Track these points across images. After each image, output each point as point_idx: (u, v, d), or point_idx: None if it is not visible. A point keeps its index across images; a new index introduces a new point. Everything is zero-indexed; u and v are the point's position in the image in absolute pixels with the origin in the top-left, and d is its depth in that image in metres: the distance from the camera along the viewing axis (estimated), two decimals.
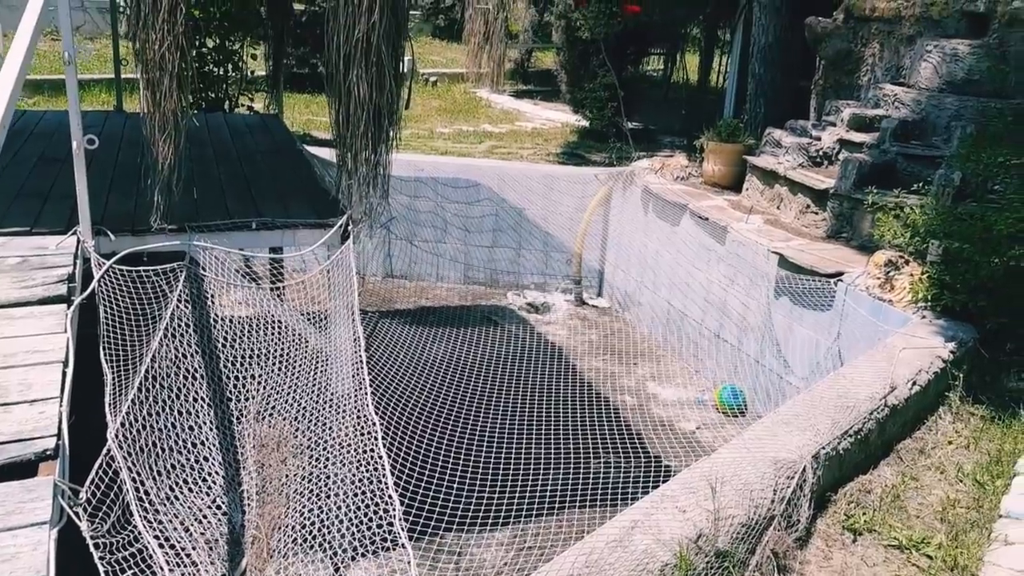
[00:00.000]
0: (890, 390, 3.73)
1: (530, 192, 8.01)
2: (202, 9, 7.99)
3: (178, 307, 3.39)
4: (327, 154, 5.91)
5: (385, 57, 3.59)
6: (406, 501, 3.41)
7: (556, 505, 4.39)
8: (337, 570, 3.26)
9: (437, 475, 4.12)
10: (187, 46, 3.31)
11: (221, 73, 8.46)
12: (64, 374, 2.59)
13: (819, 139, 6.51)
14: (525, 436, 5.19)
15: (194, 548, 2.99)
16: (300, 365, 3.81)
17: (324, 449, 3.58)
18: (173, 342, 3.33)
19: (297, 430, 3.69)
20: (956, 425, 3.93)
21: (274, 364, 3.73)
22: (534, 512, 4.26)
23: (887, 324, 4.71)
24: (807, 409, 3.54)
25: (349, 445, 3.34)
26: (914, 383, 3.90)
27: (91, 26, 13.41)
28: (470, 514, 3.99)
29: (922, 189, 5.29)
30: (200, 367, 3.51)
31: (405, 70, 4.07)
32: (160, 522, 2.83)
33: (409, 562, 2.63)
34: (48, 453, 2.20)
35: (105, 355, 2.95)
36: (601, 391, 6.25)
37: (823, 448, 3.19)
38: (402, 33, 3.94)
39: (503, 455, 4.67)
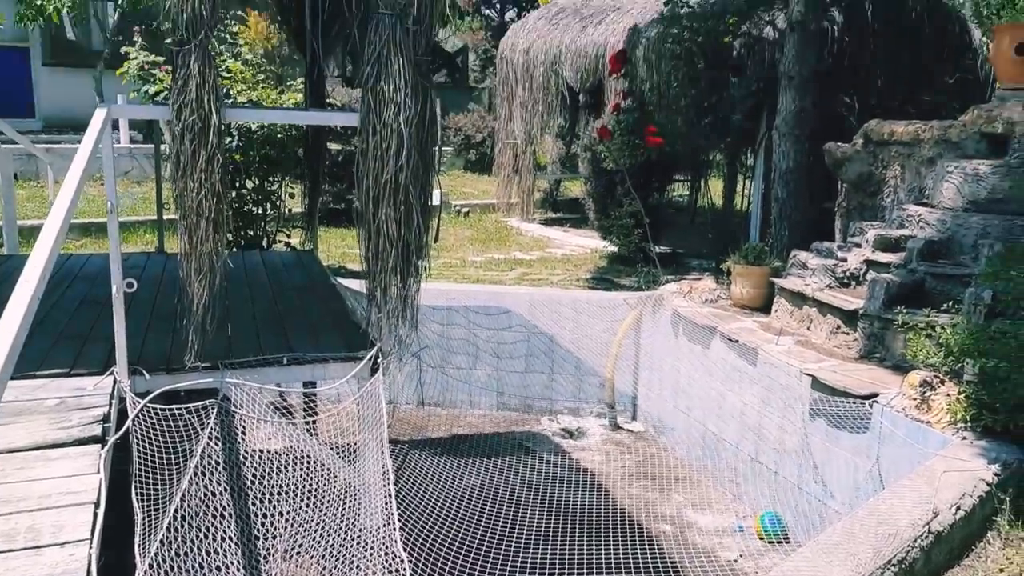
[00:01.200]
0: (933, 516, 3.61)
1: (561, 317, 8.08)
2: (243, 153, 8.40)
3: (208, 444, 3.43)
4: (360, 286, 6.05)
5: (412, 196, 3.73)
6: None
7: None
8: None
9: None
10: (223, 192, 3.48)
11: (260, 212, 8.81)
12: (95, 515, 2.62)
13: (845, 260, 6.55)
14: (561, 568, 5.05)
15: None
16: (328, 500, 3.80)
17: None
18: (203, 480, 3.36)
19: (324, 569, 3.65)
20: (1006, 551, 3.77)
21: (302, 500, 3.73)
22: None
23: (926, 446, 4.60)
24: (846, 537, 3.43)
25: None
26: (958, 508, 3.78)
27: (138, 171, 14.09)
28: None
29: (953, 308, 5.27)
30: (229, 505, 3.52)
31: (434, 203, 4.21)
32: None
33: None
34: None
35: (136, 495, 2.98)
36: (638, 519, 6.11)
37: None
38: (430, 171, 4.11)
39: None
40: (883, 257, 6.20)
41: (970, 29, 10.86)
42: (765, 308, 7.21)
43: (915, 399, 4.91)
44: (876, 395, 5.12)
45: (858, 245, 6.62)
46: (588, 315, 8.07)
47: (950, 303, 5.42)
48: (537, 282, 9.36)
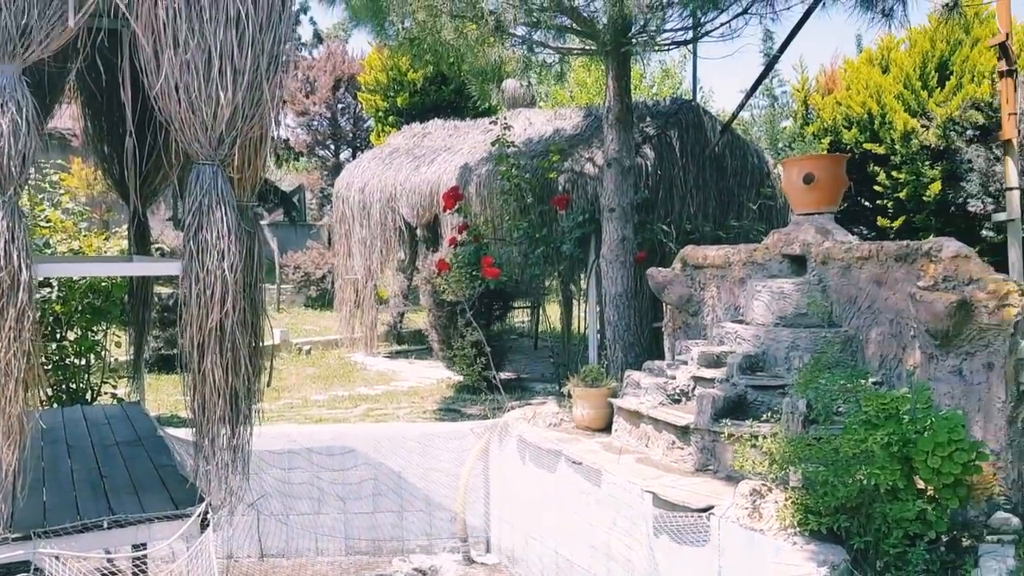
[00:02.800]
0: None
1: (408, 452, 7.98)
2: (63, 303, 8.00)
3: None
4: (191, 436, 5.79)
5: (240, 341, 3.67)
6: None
7: None
8: None
9: None
10: (34, 350, 3.31)
11: (83, 364, 8.33)
12: None
13: (674, 377, 6.87)
14: None
15: None
16: None
17: None
18: None
19: None
20: None
21: None
22: None
23: (762, 554, 4.78)
24: None
25: None
26: None
27: None
28: None
29: (772, 417, 5.61)
30: None
31: (274, 343, 4.14)
32: None
33: None
34: None
35: None
36: None
37: None
38: (258, 314, 4.07)
39: None
40: (708, 373, 6.55)
41: (767, 160, 12.01)
42: (606, 428, 7.40)
43: (747, 508, 5.12)
44: (712, 507, 5.31)
45: (685, 363, 6.97)
46: (436, 448, 8.01)
47: (770, 413, 5.77)
48: (383, 417, 9.23)
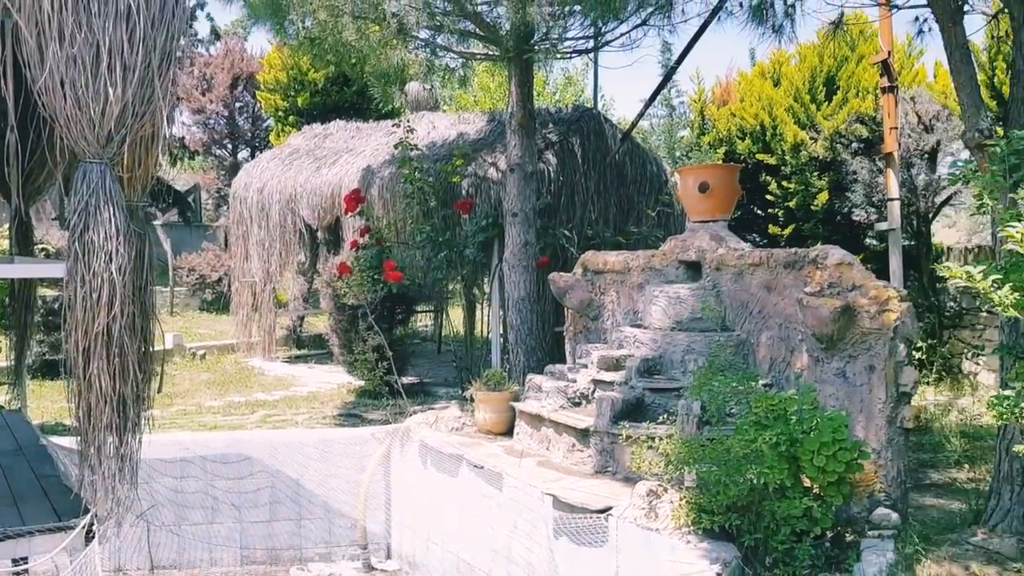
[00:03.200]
0: None
1: (307, 459, 7.83)
2: None
3: None
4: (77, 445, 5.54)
5: (128, 346, 3.54)
6: None
7: None
8: None
9: None
10: None
11: None
12: None
13: (575, 381, 6.97)
14: None
15: None
16: None
17: None
18: None
19: None
20: None
21: None
22: None
23: (657, 553, 4.90)
24: None
25: None
26: None
27: None
28: None
29: (669, 419, 5.76)
30: None
31: (166, 348, 4.00)
32: None
33: None
34: None
35: None
36: None
37: None
38: (149, 318, 3.93)
39: None
40: (607, 376, 6.66)
41: (666, 168, 12.32)
42: (508, 432, 7.43)
43: (644, 509, 5.23)
44: (610, 508, 5.40)
45: (585, 366, 7.08)
46: (336, 454, 7.89)
47: (666, 415, 5.92)
48: (281, 424, 9.05)
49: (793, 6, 6.04)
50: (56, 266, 3.62)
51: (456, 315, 13.92)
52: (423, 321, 15.55)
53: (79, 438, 3.64)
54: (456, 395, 9.84)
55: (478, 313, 13.27)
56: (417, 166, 10.01)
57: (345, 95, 18.27)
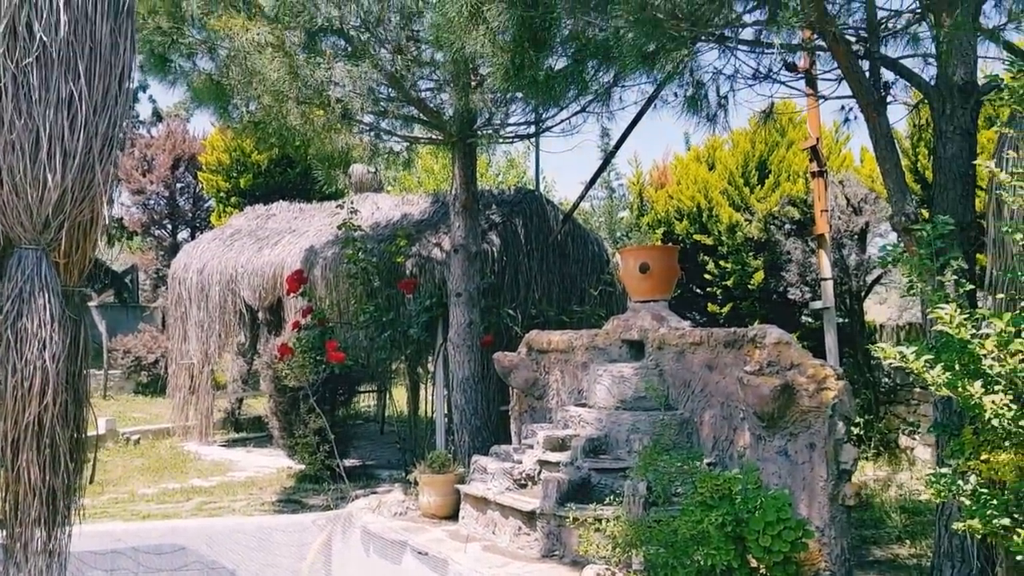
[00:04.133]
0: None
1: (244, 548, 7.56)
2: None
3: None
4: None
5: (60, 436, 3.42)
6: None
7: None
8: None
9: None
10: None
11: None
12: None
13: (521, 462, 6.91)
14: None
15: None
16: None
17: None
18: None
19: None
20: None
21: None
22: None
23: None
24: None
25: None
26: None
27: None
28: None
29: (615, 500, 5.72)
30: None
31: (94, 433, 3.87)
32: None
33: None
34: None
35: None
36: None
37: None
38: (82, 405, 3.81)
39: None
40: (553, 456, 6.62)
41: (607, 248, 12.54)
42: (453, 516, 7.31)
43: None
44: None
45: (531, 447, 7.03)
46: (275, 542, 7.65)
47: (613, 496, 5.89)
48: (217, 511, 8.74)
49: (726, 97, 6.30)
50: None
51: (400, 395, 13.77)
52: (366, 402, 15.33)
53: (4, 533, 3.48)
54: (400, 477, 9.65)
55: (422, 393, 13.14)
56: (361, 246, 10.02)
57: (288, 176, 18.31)
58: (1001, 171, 3.80)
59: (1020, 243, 3.68)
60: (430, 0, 5.65)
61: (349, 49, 7.52)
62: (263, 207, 14.17)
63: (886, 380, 10.81)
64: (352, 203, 10.56)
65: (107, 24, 3.53)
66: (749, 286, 12.15)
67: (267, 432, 12.21)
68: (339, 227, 10.26)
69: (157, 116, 26.97)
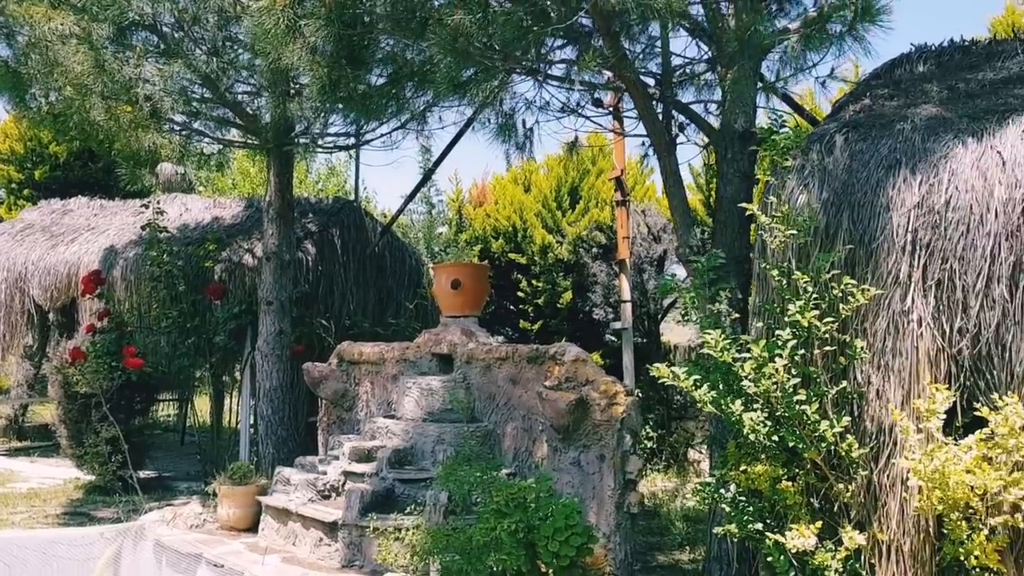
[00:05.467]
0: None
1: (23, 563, 7.09)
2: None
3: None
4: None
5: None
6: None
7: None
8: None
9: None
10: None
11: None
12: None
13: (326, 473, 6.92)
14: None
15: None
16: None
17: None
18: None
19: None
20: None
21: None
22: None
23: None
24: None
25: None
26: None
27: None
28: None
29: (416, 510, 5.88)
30: None
31: None
32: None
33: None
34: None
35: None
36: None
37: None
38: None
39: None
40: (359, 467, 6.69)
41: (425, 262, 12.73)
42: (254, 528, 7.20)
43: None
44: None
45: (336, 458, 7.06)
46: (59, 556, 7.22)
47: (415, 505, 6.04)
48: None
49: (531, 129, 6.66)
50: None
51: (203, 405, 13.29)
52: (166, 411, 14.67)
53: None
54: (199, 490, 9.35)
55: (227, 403, 12.75)
56: (167, 249, 9.67)
57: (90, 171, 17.21)
58: (763, 215, 4.30)
59: (776, 279, 4.18)
60: (248, 7, 5.60)
61: (162, 46, 7.29)
62: (59, 202, 13.31)
63: (678, 397, 11.60)
64: (159, 203, 10.18)
65: None
66: (558, 305, 12.68)
67: (54, 441, 11.46)
68: (143, 227, 9.86)
69: None
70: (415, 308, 11.89)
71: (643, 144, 7.87)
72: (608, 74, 6.46)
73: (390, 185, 48.47)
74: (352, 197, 13.96)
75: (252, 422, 9.94)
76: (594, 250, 12.37)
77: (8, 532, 7.67)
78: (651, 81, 6.27)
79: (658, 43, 6.32)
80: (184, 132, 7.89)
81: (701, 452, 11.25)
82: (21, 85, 6.98)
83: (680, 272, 13.28)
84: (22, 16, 6.31)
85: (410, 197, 11.03)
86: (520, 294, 13.17)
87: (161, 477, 10.25)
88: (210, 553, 6.54)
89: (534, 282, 12.93)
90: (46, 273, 11.26)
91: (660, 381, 4.44)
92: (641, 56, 6.04)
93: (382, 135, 8.69)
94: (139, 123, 7.00)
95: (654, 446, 11.01)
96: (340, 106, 6.05)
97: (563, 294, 12.58)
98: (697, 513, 8.91)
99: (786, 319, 3.99)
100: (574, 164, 12.60)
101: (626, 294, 9.78)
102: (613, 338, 12.34)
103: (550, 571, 5.23)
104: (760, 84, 5.67)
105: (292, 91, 7.32)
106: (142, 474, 9.16)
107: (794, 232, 4.14)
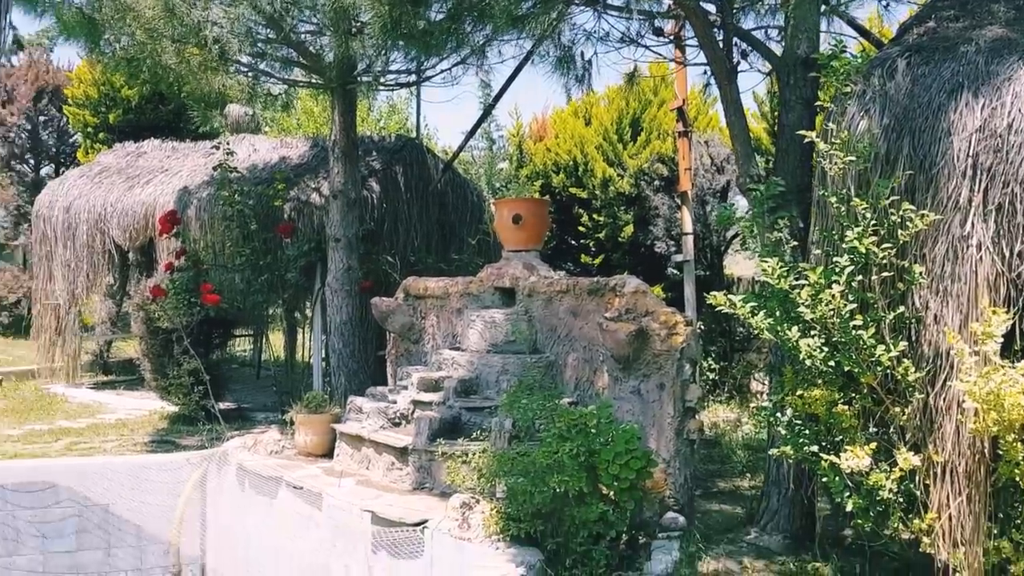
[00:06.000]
0: None
1: (118, 486, 7.61)
2: None
3: None
4: None
5: None
6: None
7: None
8: None
9: None
10: None
11: None
12: None
13: (395, 402, 7.22)
14: None
15: None
16: None
17: None
18: None
19: None
20: None
21: None
22: None
23: (469, 560, 5.23)
24: None
25: None
26: None
27: None
28: None
29: (482, 436, 6.13)
30: None
31: None
32: None
33: None
34: None
35: None
36: None
37: None
38: None
39: None
40: (426, 397, 6.96)
41: (486, 198, 12.85)
42: (329, 454, 7.57)
43: (457, 520, 5.56)
44: (426, 521, 5.69)
45: (406, 388, 7.34)
46: (149, 480, 7.72)
47: (481, 432, 6.29)
48: (88, 451, 8.71)
49: (590, 62, 6.66)
50: None
51: (276, 340, 13.78)
52: (242, 346, 15.25)
53: None
54: (276, 420, 9.80)
55: (299, 337, 13.20)
56: (238, 189, 9.97)
57: (161, 113, 17.66)
58: (822, 142, 4.30)
59: (835, 206, 4.20)
60: None
61: None
62: (133, 144, 13.74)
63: (740, 329, 11.62)
64: (229, 144, 10.46)
65: None
66: (620, 239, 12.73)
67: (137, 375, 12.07)
68: (215, 168, 10.16)
69: (18, 45, 25.29)
70: (477, 243, 12.07)
71: (704, 73, 7.80)
72: (668, 1, 6.41)
73: (450, 122, 48.30)
74: (413, 135, 14.10)
75: (323, 355, 10.31)
76: (656, 183, 12.33)
77: (103, 458, 8.20)
78: (711, 8, 6.21)
79: None
80: (251, 73, 8.07)
81: (763, 383, 11.30)
82: (96, 31, 7.22)
83: (743, 203, 13.21)
84: None
85: (471, 132, 11.12)
86: (581, 228, 13.25)
87: (240, 408, 10.73)
88: (289, 476, 6.92)
89: (595, 216, 12.99)
90: (124, 214, 11.72)
91: (721, 312, 4.52)
92: None
93: (442, 71, 8.78)
94: (208, 65, 7.20)
95: (716, 377, 11.10)
96: (401, 43, 6.13)
97: (624, 228, 12.62)
98: (758, 442, 9.03)
99: (844, 246, 4.02)
100: (635, 95, 12.49)
101: (688, 226, 9.78)
102: (675, 271, 12.36)
103: (611, 493, 5.42)
104: (824, 7, 5.57)
105: (354, 29, 7.42)
106: (222, 405, 9.63)
107: (853, 159, 4.13)
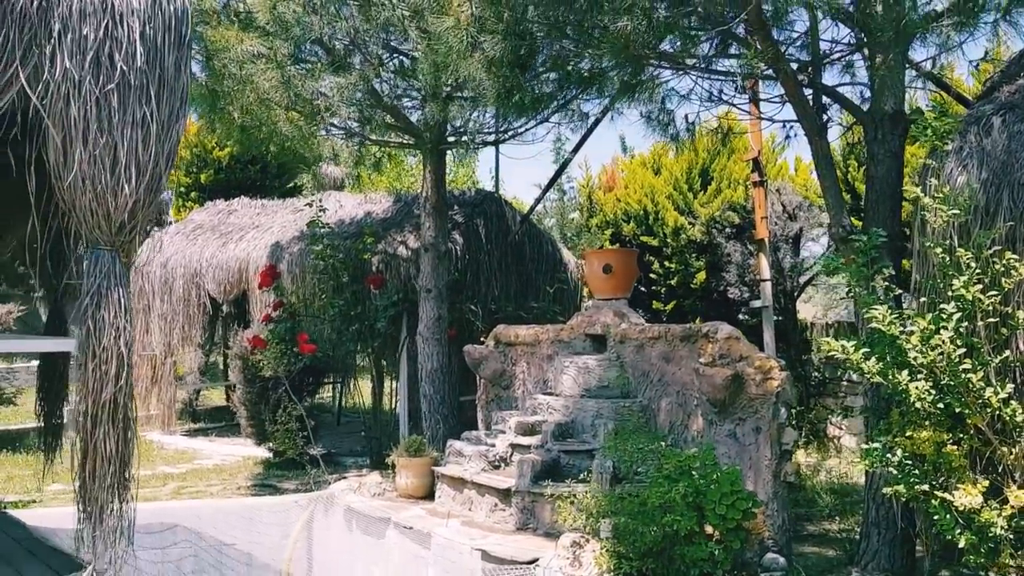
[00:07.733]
0: None
1: (231, 527, 8.01)
2: None
3: None
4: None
5: (131, 411, 3.93)
6: None
7: None
8: None
9: None
10: None
11: None
12: None
13: (494, 445, 7.53)
14: None
15: None
16: None
17: None
18: None
19: None
20: None
21: None
22: None
23: None
24: None
25: None
26: None
27: None
28: None
29: (585, 478, 6.41)
30: None
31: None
32: None
33: None
34: None
35: None
36: None
37: None
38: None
39: None
40: (524, 440, 7.26)
41: (560, 248, 13.23)
42: (429, 496, 7.88)
43: (568, 558, 5.82)
44: (537, 559, 5.96)
45: (503, 432, 7.66)
46: (260, 521, 8.12)
47: (581, 474, 6.57)
48: (195, 495, 9.16)
49: (672, 115, 7.05)
50: (68, 342, 3.99)
51: (360, 387, 14.23)
52: (322, 394, 15.74)
53: (80, 501, 3.97)
54: (365, 464, 10.18)
55: (384, 385, 13.61)
56: (329, 243, 10.49)
57: (249, 173, 18.43)
58: (924, 196, 4.58)
59: (939, 256, 4.45)
60: (426, 22, 6.16)
61: (329, 59, 8.01)
62: (223, 202, 14.46)
63: (816, 374, 11.72)
64: (320, 201, 11.01)
65: (172, 55, 4.04)
66: (692, 285, 12.97)
67: (226, 422, 12.58)
68: (308, 224, 10.70)
69: None
70: (553, 292, 12.43)
71: (784, 126, 8.11)
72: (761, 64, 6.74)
73: (515, 173, 49.33)
74: (483, 186, 14.59)
75: (409, 402, 10.68)
76: (727, 230, 12.59)
77: (216, 501, 8.64)
78: (794, 65, 6.54)
79: (797, 28, 6.58)
80: (356, 137, 8.60)
81: (841, 428, 11.35)
82: (216, 101, 7.81)
83: (815, 250, 13.38)
84: (219, 40, 7.11)
85: (548, 185, 11.55)
86: (652, 276, 13.52)
87: (330, 453, 11.14)
88: (397, 517, 7.25)
89: (667, 263, 13.26)
90: (219, 268, 12.35)
91: (804, 357, 4.76)
92: (789, 45, 6.31)
93: (527, 129, 9.21)
94: (315, 131, 7.73)
95: (794, 422, 11.18)
96: (512, 112, 6.57)
97: (697, 274, 12.86)
98: (842, 487, 9.12)
99: (950, 293, 4.27)
100: (704, 145, 12.82)
101: (765, 273, 10.01)
102: (747, 316, 12.54)
103: (716, 532, 5.64)
104: (912, 70, 5.86)
105: (447, 95, 7.89)
106: (312, 451, 10.04)
107: (956, 211, 4.39)
